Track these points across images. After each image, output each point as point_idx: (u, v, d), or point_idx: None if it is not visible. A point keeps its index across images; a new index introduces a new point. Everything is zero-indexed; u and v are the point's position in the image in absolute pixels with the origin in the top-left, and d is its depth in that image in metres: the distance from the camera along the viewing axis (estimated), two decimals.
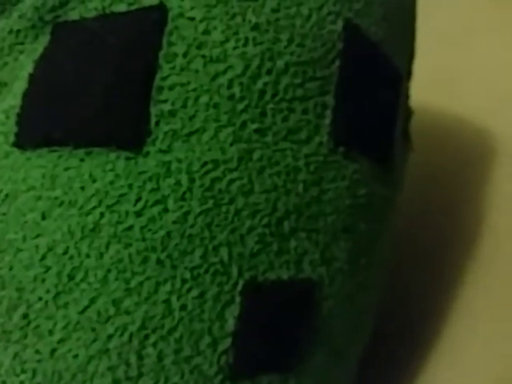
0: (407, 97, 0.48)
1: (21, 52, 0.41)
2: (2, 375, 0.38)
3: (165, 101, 0.38)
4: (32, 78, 0.39)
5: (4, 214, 0.38)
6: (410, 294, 0.51)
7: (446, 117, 0.57)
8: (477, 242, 0.51)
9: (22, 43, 0.41)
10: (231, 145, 0.38)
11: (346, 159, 0.41)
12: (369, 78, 0.42)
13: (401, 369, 0.48)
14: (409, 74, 0.49)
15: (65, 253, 0.37)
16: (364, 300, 0.43)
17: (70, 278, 0.37)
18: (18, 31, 0.41)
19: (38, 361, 0.37)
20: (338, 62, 0.41)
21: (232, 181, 0.38)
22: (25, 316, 0.37)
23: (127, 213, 0.37)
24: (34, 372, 0.37)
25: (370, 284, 0.44)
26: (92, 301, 0.37)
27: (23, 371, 0.37)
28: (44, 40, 0.40)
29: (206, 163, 0.37)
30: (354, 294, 0.42)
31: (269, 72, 0.39)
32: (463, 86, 0.58)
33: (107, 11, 0.39)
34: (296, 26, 0.40)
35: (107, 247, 0.37)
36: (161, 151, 0.37)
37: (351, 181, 0.41)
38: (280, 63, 0.39)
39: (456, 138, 0.56)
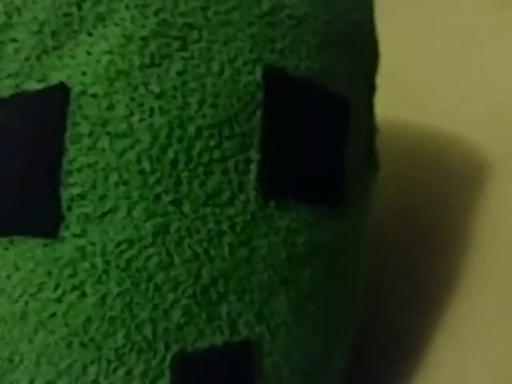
0: (369, 116, 0.46)
1: None
2: None
3: (74, 184, 0.37)
4: None
5: None
6: (393, 308, 0.50)
7: (446, 117, 0.55)
8: (464, 252, 0.49)
9: None
10: (145, 221, 0.37)
11: (279, 211, 0.40)
12: (299, 119, 0.40)
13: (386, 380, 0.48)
14: (371, 89, 0.46)
15: (2, 338, 0.39)
16: (321, 339, 0.43)
17: (10, 360, 0.39)
18: None
19: None
20: (259, 113, 0.39)
21: (149, 257, 0.37)
22: None
23: (48, 300, 0.38)
24: None
25: (328, 323, 0.43)
26: (30, 381, 0.38)
27: None
28: None
29: (120, 243, 0.37)
30: (307, 338, 0.41)
31: (180, 140, 0.38)
32: (463, 86, 0.56)
33: (19, 90, 0.39)
34: (207, 86, 0.38)
35: (35, 333, 0.38)
36: (75, 236, 0.37)
37: (287, 231, 0.40)
38: (191, 129, 0.38)
39: (456, 138, 0.54)
